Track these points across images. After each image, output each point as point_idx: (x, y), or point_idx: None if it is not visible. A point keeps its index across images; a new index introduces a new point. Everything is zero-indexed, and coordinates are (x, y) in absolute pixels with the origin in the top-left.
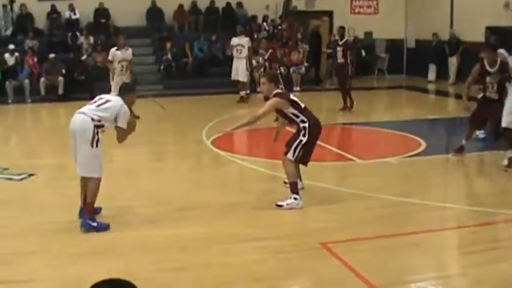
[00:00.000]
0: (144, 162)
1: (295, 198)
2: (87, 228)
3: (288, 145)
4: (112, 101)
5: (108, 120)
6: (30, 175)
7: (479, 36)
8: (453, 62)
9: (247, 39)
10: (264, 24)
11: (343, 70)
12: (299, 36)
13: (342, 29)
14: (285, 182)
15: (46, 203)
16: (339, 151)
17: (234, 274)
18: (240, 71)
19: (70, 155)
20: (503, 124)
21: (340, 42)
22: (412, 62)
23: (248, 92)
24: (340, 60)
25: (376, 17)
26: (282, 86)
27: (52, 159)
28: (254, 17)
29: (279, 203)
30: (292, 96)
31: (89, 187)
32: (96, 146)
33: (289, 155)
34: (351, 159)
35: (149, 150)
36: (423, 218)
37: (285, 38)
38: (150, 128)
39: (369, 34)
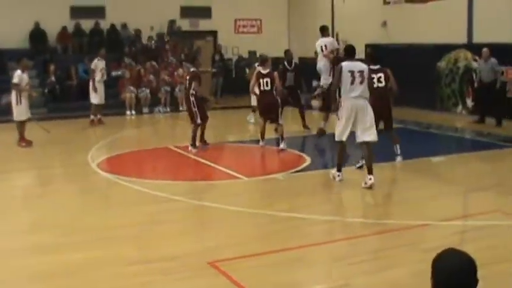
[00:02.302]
0: (29, 187)
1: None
2: None
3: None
4: None
5: None
6: None
7: (359, 53)
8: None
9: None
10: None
11: (296, 93)
12: (182, 56)
13: (290, 52)
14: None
15: None
16: (225, 169)
17: None
18: (103, 94)
19: None
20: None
21: (290, 67)
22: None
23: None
24: (292, 83)
25: (260, 36)
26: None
27: None
28: (139, 38)
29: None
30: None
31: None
32: None
33: None
34: (237, 177)
35: (34, 175)
36: (310, 231)
37: (169, 58)
38: (35, 152)
39: (252, 53)
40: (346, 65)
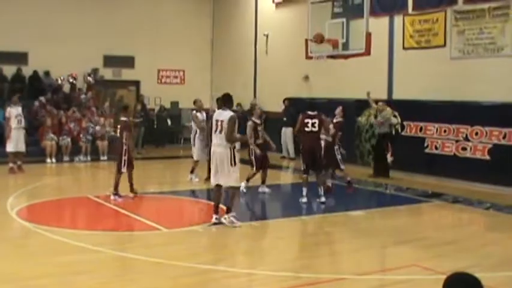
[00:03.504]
0: None
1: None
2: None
3: None
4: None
5: None
6: None
7: (280, 106)
8: None
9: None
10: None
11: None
12: (106, 104)
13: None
14: None
15: None
16: (146, 220)
17: None
18: (21, 141)
19: None
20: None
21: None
22: None
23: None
24: None
25: (183, 87)
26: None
27: None
28: (61, 86)
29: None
30: None
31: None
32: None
33: None
34: (157, 228)
35: None
36: (229, 284)
37: (91, 107)
38: None
39: (175, 104)
40: (215, 114)
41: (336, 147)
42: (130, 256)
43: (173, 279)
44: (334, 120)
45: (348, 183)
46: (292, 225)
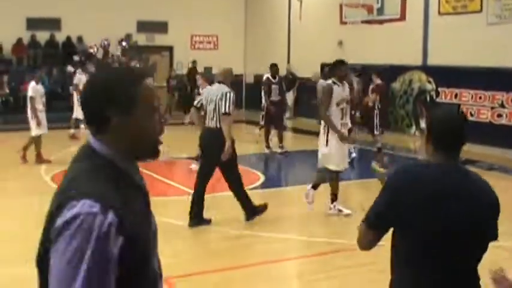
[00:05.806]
0: None
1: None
2: None
3: None
4: None
5: None
6: None
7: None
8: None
9: None
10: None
11: (280, 109)
12: None
13: (276, 66)
14: None
15: None
16: (181, 186)
17: None
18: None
19: None
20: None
21: (275, 80)
22: (252, 96)
23: None
24: (277, 97)
25: (216, 52)
26: None
27: None
28: (95, 51)
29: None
30: None
31: None
32: None
33: None
34: (190, 194)
35: None
36: (264, 249)
37: None
38: None
39: (208, 69)
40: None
41: (376, 111)
42: (164, 220)
43: (207, 244)
44: (372, 86)
45: (379, 150)
46: (326, 191)
